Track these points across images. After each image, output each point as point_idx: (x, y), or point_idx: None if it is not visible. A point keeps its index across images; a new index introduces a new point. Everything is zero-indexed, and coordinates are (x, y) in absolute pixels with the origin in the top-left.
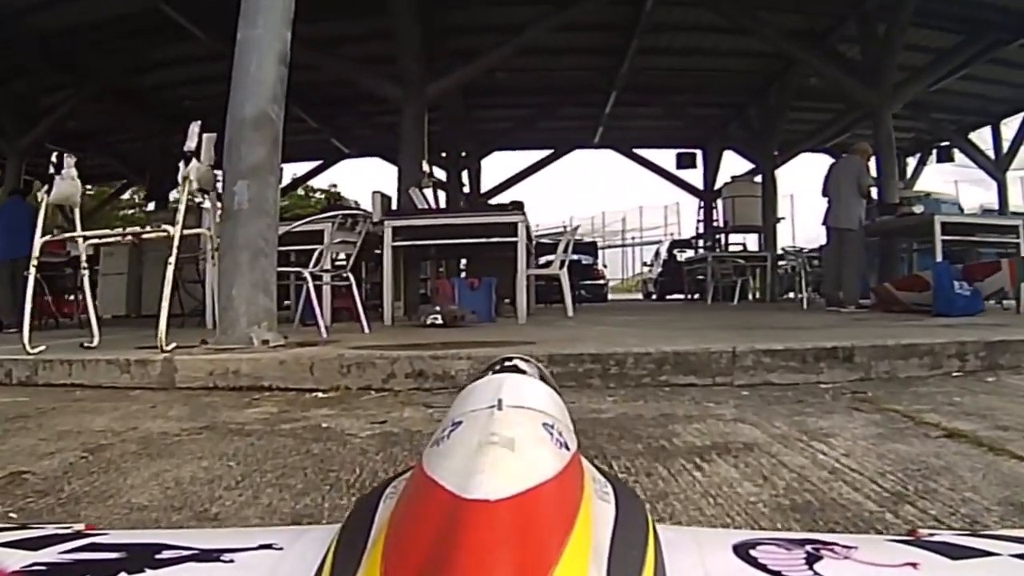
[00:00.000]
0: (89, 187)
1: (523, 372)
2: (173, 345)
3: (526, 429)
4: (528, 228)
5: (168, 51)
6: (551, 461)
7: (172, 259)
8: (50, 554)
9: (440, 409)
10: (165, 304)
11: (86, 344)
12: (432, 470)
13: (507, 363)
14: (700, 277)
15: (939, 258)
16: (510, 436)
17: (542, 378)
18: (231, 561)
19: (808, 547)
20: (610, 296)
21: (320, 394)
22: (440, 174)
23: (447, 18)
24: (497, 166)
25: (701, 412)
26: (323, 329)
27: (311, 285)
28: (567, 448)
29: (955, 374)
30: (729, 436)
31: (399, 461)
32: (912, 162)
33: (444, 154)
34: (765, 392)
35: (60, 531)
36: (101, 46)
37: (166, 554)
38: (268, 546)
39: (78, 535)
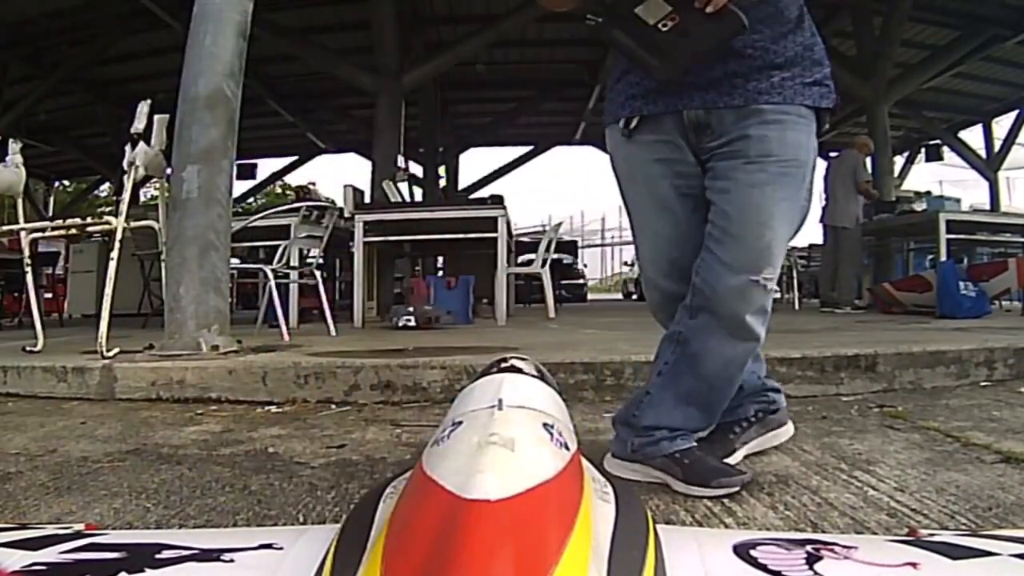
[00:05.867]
0: (67, 182)
1: (522, 372)
2: (116, 351)
3: (526, 429)
4: (508, 223)
5: (139, 41)
6: (551, 461)
7: (115, 253)
8: (50, 554)
9: (410, 428)
10: (106, 304)
11: (28, 348)
12: (432, 470)
13: (505, 363)
14: None
15: (944, 257)
16: (510, 436)
17: (542, 377)
18: (231, 561)
19: (808, 547)
20: (589, 296)
21: (273, 408)
22: (416, 170)
23: (426, 7)
24: (475, 163)
25: None
26: (285, 332)
27: (272, 284)
28: (567, 448)
29: (983, 384)
30: (755, 464)
31: (355, 501)
32: (900, 160)
33: (421, 150)
34: None
35: (60, 531)
36: (67, 36)
37: (166, 554)
38: (268, 546)
39: (78, 535)
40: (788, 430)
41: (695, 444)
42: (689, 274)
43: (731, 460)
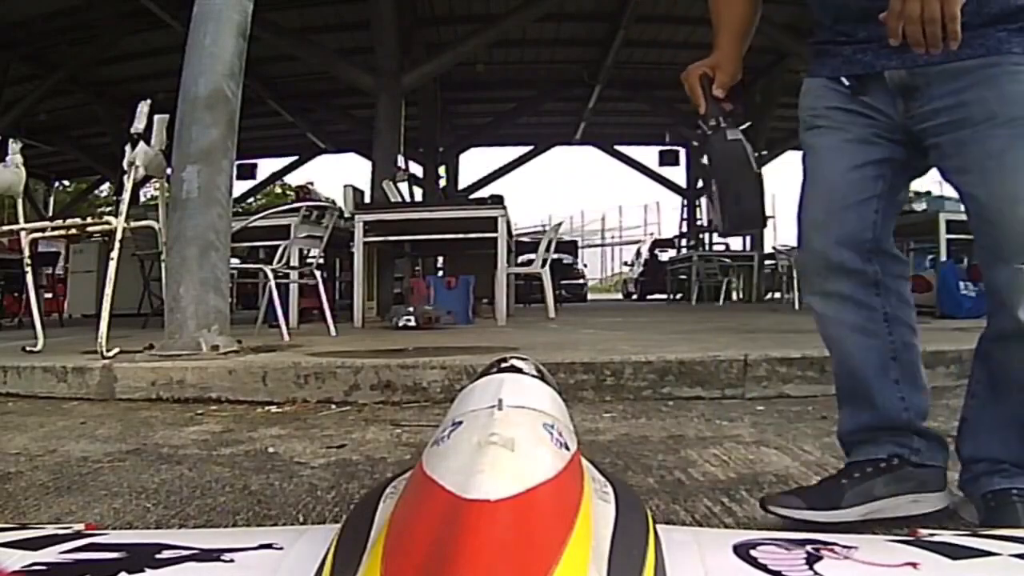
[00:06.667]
0: (67, 182)
1: (522, 372)
2: (116, 351)
3: (526, 429)
4: (508, 223)
5: (139, 41)
6: (551, 461)
7: (115, 253)
8: (50, 554)
9: (410, 428)
10: (106, 304)
11: (28, 348)
12: (432, 470)
13: (505, 363)
14: (682, 277)
15: (944, 257)
16: (510, 436)
17: (542, 377)
18: (231, 561)
19: (808, 547)
20: (589, 296)
21: (273, 408)
22: (416, 170)
23: (426, 7)
24: (475, 163)
25: (715, 432)
26: (285, 332)
27: (272, 284)
28: (567, 448)
29: None
30: (755, 465)
31: (355, 501)
32: None
33: (421, 150)
34: (782, 407)
35: (60, 531)
36: (67, 36)
37: (166, 554)
38: (268, 546)
39: (78, 535)
40: (939, 499)
41: (1017, 485)
42: (857, 245)
43: (837, 517)
